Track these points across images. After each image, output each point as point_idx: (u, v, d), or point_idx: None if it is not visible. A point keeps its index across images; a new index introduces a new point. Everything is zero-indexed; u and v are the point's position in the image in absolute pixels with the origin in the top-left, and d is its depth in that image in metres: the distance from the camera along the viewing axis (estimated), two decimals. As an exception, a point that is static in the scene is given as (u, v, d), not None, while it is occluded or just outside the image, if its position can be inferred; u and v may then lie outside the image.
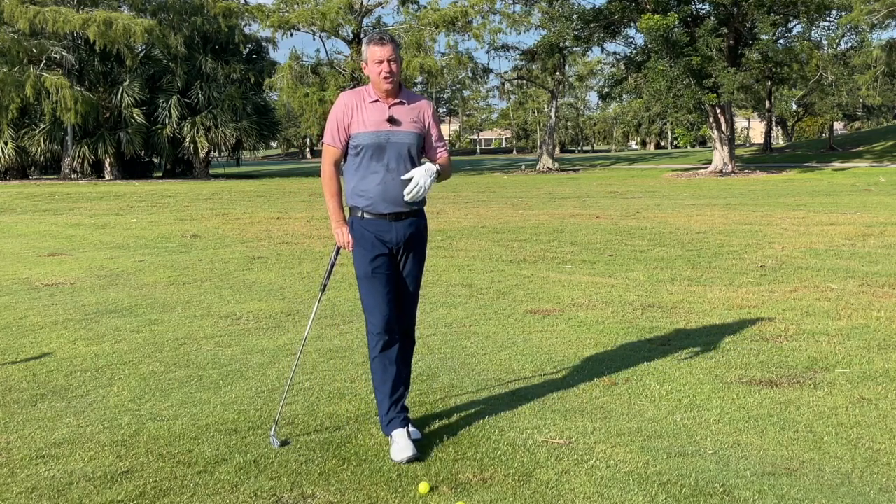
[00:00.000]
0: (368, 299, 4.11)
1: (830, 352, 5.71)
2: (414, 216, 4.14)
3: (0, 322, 7.16)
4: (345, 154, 4.15)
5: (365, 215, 4.10)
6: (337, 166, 4.18)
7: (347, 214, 4.22)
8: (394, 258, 4.15)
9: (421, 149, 4.18)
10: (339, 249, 4.23)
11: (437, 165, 4.13)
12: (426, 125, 4.18)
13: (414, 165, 4.11)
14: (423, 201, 4.16)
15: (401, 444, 3.94)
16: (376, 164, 4.06)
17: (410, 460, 3.85)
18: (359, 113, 4.08)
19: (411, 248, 4.16)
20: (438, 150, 4.26)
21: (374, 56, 4.03)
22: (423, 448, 4.03)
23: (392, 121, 4.07)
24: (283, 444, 4.09)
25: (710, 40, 34.49)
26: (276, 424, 4.20)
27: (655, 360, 5.56)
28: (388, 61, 4.01)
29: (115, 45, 38.92)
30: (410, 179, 4.03)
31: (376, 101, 4.10)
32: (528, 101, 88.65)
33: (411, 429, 4.14)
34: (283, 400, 4.42)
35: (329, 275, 4.33)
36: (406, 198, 4.04)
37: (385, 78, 4.02)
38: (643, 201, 21.49)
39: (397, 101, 4.11)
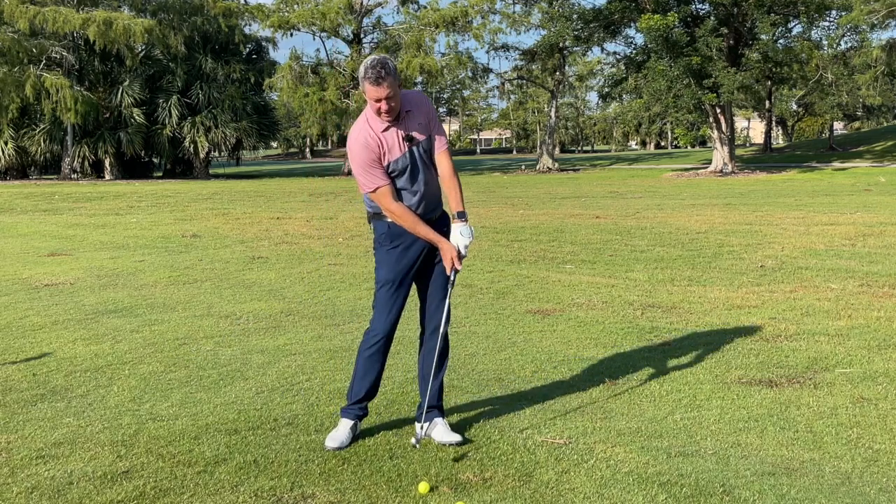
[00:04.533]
0: (383, 303, 4.16)
1: (830, 352, 5.71)
2: (440, 217, 4.22)
3: (0, 322, 7.15)
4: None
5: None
6: (396, 197, 4.05)
7: (370, 218, 4.21)
8: (417, 265, 4.18)
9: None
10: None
11: (461, 216, 4.15)
12: (430, 123, 4.17)
13: (434, 168, 4.14)
14: (440, 202, 4.22)
15: (338, 433, 4.14)
16: (414, 181, 4.08)
17: (335, 449, 4.03)
18: (380, 147, 4.02)
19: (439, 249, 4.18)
20: (441, 144, 4.21)
21: (371, 95, 3.95)
22: (423, 448, 4.03)
23: (410, 139, 4.07)
24: (417, 443, 4.00)
25: (710, 40, 34.49)
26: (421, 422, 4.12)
27: (655, 360, 5.56)
28: (386, 100, 3.93)
29: (115, 45, 38.91)
30: (460, 237, 4.11)
31: (388, 127, 4.03)
32: (528, 101, 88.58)
33: (441, 429, 4.15)
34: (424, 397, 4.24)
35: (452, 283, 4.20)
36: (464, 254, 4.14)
37: (384, 117, 4.00)
38: (643, 201, 21.49)
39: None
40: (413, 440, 4.01)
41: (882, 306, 7.19)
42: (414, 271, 4.19)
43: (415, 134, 4.07)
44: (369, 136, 4.02)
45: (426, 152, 4.12)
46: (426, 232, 4.06)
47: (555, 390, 4.95)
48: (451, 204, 4.22)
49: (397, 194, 4.07)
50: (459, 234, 4.11)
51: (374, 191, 4.04)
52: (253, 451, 4.03)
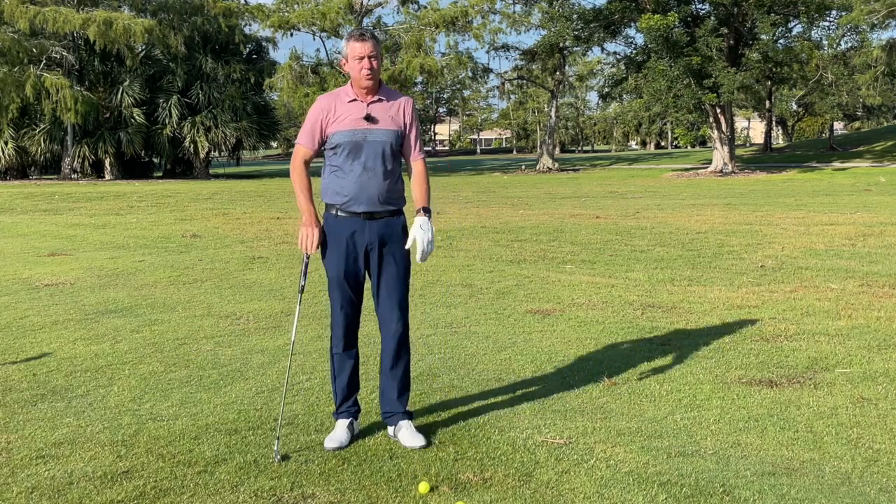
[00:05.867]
0: (336, 301, 4.16)
1: (830, 352, 5.71)
2: (389, 216, 4.13)
3: (0, 322, 7.15)
4: (319, 155, 4.17)
5: (339, 213, 4.09)
6: (307, 164, 4.17)
7: (322, 211, 4.21)
8: (366, 260, 4.14)
9: (399, 147, 4.14)
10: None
11: (423, 211, 4.11)
12: (405, 124, 4.14)
13: (392, 164, 4.10)
14: (402, 200, 4.18)
15: (336, 434, 4.12)
16: (354, 163, 4.05)
17: (334, 449, 4.02)
18: (335, 113, 4.06)
19: (388, 248, 4.12)
20: (415, 153, 4.20)
21: (355, 52, 4.01)
22: (423, 448, 4.03)
23: (369, 119, 4.05)
24: (284, 458, 3.93)
25: (710, 40, 34.52)
26: (279, 439, 4.04)
27: (655, 360, 5.56)
28: (370, 58, 3.99)
29: (115, 45, 38.93)
30: (415, 241, 4.05)
31: (354, 100, 4.07)
32: (528, 101, 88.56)
33: (406, 433, 4.10)
34: (282, 409, 4.36)
35: (304, 275, 4.20)
36: (420, 261, 4.08)
37: (366, 75, 4.01)
38: (643, 201, 21.49)
39: (376, 98, 4.09)
40: None
41: (882, 306, 7.19)
42: (358, 268, 4.12)
43: (376, 116, 4.06)
44: (332, 99, 4.11)
45: (385, 145, 4.05)
46: (305, 202, 4.09)
47: (555, 390, 4.95)
48: (416, 200, 4.17)
49: (333, 173, 4.09)
50: (419, 228, 4.06)
51: (297, 143, 4.16)
52: (253, 451, 4.03)
